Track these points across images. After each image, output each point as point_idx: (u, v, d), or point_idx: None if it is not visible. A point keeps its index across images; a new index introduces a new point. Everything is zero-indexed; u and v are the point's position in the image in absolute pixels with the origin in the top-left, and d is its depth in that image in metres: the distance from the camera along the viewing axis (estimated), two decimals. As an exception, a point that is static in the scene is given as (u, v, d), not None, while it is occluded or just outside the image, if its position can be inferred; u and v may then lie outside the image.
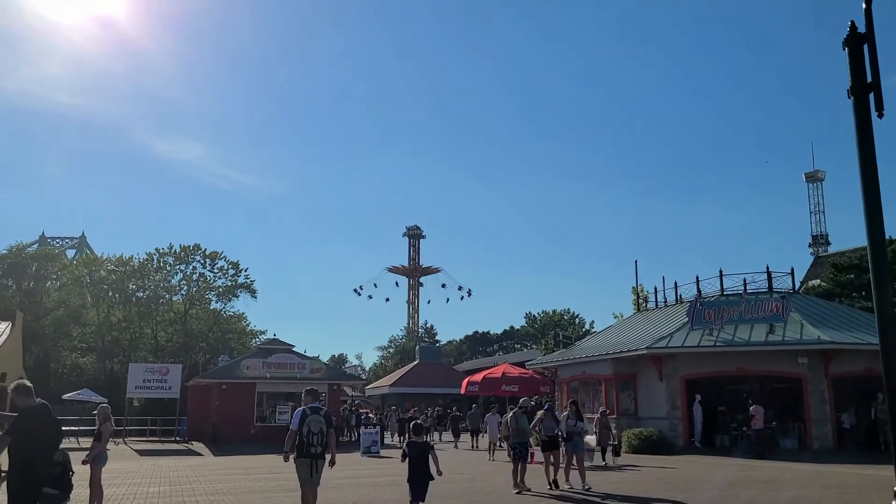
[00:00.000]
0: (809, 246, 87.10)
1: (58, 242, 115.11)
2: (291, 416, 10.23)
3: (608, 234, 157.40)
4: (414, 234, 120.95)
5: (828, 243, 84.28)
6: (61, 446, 7.52)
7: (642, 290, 43.08)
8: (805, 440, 24.14)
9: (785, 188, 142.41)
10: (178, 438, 36.94)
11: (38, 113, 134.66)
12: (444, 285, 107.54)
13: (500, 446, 23.56)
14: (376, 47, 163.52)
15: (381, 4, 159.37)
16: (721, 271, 28.88)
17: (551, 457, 14.96)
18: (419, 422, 11.72)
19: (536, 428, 15.25)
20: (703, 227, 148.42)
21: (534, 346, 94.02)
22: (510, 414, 15.10)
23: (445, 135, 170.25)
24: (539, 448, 15.76)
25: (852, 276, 37.90)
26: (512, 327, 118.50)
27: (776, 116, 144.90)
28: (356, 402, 63.63)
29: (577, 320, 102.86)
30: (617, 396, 27.60)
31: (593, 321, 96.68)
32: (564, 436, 15.13)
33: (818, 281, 40.98)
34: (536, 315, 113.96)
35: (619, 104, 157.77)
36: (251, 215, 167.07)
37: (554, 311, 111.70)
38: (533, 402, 20.60)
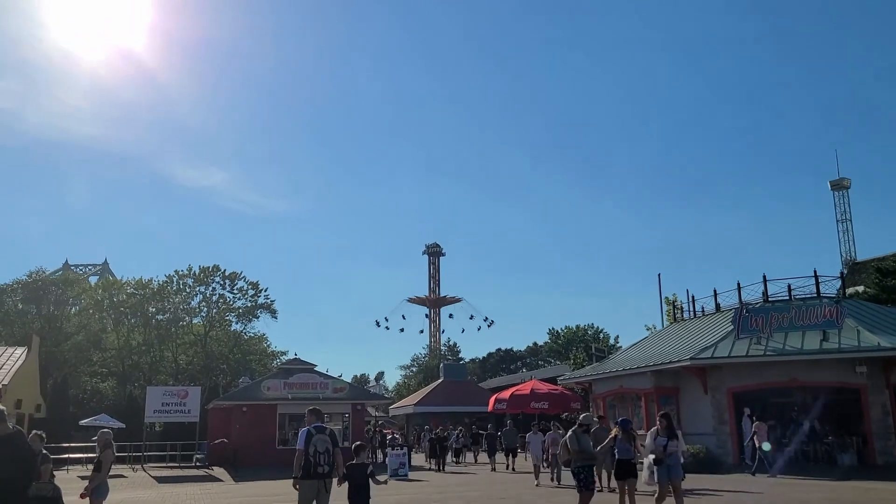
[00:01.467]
0: (844, 266, 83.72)
1: (81, 270, 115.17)
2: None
3: (630, 248, 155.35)
4: (434, 252, 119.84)
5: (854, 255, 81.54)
6: (53, 479, 6.31)
7: (676, 300, 41.51)
8: (868, 456, 22.39)
9: (809, 197, 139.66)
10: (198, 464, 35.73)
11: (62, 144, 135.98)
12: (472, 317, 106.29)
13: (545, 468, 21.81)
14: (396, 68, 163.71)
15: (400, 25, 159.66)
16: (765, 276, 27.39)
17: (626, 486, 12.82)
18: (360, 443, 10.99)
19: (605, 449, 13.04)
20: (726, 238, 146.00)
21: (558, 363, 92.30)
22: (570, 433, 12.73)
23: (465, 152, 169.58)
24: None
25: (899, 280, 36.21)
26: (535, 344, 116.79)
27: (799, 124, 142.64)
28: (379, 422, 62.22)
29: (601, 335, 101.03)
30: (658, 411, 25.95)
31: (618, 336, 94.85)
32: (654, 460, 12.10)
33: (861, 287, 39.13)
34: (560, 331, 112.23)
35: (640, 118, 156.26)
36: (273, 238, 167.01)
37: (578, 327, 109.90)
38: (596, 418, 18.43)
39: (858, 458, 22.99)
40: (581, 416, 13.47)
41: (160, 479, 28.67)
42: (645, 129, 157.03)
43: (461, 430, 35.71)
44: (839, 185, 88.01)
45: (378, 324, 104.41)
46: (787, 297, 27.47)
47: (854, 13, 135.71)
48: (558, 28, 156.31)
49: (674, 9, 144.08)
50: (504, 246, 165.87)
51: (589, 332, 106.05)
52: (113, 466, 10.89)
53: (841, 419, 24.19)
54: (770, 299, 26.89)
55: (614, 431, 13.13)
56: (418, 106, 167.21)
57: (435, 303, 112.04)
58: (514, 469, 27.41)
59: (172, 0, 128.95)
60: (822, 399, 24.91)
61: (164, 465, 36.80)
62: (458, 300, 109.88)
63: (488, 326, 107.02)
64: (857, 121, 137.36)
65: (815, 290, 26.72)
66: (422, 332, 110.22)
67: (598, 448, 13.31)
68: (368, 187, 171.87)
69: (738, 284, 28.22)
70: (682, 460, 12.37)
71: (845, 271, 54.24)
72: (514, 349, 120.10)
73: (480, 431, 35.14)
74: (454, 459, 33.47)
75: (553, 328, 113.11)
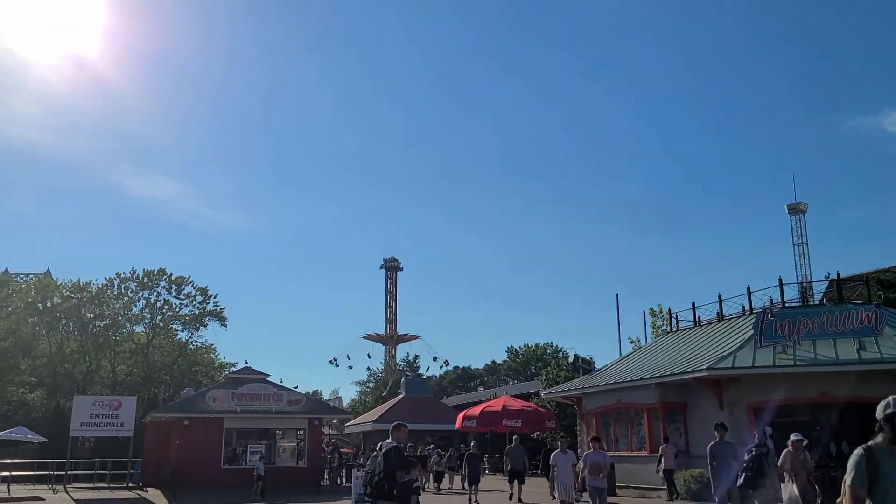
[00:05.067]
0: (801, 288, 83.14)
1: (21, 278, 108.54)
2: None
3: (586, 271, 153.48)
4: (391, 267, 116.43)
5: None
6: None
7: (661, 311, 38.84)
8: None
9: (764, 221, 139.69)
10: (130, 484, 31.38)
11: (8, 150, 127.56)
12: (434, 359, 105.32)
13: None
14: (354, 83, 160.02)
15: (361, 43, 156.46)
16: (780, 279, 24.59)
17: None
18: (410, 458, 9.38)
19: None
20: (683, 262, 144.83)
21: (515, 381, 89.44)
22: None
23: (423, 172, 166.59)
24: None
25: (903, 293, 34.07)
26: (494, 362, 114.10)
27: (756, 148, 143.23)
28: (332, 440, 58.11)
29: (560, 353, 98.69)
30: (664, 429, 22.90)
31: (577, 354, 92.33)
32: None
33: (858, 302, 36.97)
34: (518, 349, 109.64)
35: (596, 142, 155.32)
36: (224, 253, 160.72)
37: (537, 345, 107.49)
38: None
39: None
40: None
41: (81, 503, 24.47)
42: (603, 154, 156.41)
43: (438, 449, 31.24)
44: (796, 210, 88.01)
45: (334, 362, 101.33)
46: (800, 304, 24.89)
47: (802, 32, 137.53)
48: (516, 55, 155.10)
49: (618, 36, 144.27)
50: (460, 264, 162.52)
51: (548, 351, 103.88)
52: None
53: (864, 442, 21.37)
54: (787, 304, 24.11)
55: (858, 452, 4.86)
56: (375, 125, 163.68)
57: (391, 340, 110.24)
58: (520, 500, 21.66)
59: (128, 7, 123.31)
60: (846, 418, 22.19)
61: (91, 485, 32.31)
62: (415, 337, 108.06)
63: (445, 365, 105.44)
64: (814, 146, 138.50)
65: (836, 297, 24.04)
66: (381, 364, 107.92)
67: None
68: (323, 203, 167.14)
69: (748, 289, 25.46)
70: None
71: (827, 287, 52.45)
72: (472, 367, 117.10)
73: (455, 450, 30.93)
74: (435, 485, 28.69)
75: (511, 346, 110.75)
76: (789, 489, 12.91)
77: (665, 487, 21.48)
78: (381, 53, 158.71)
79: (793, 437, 13.42)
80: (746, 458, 12.88)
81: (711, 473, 13.19)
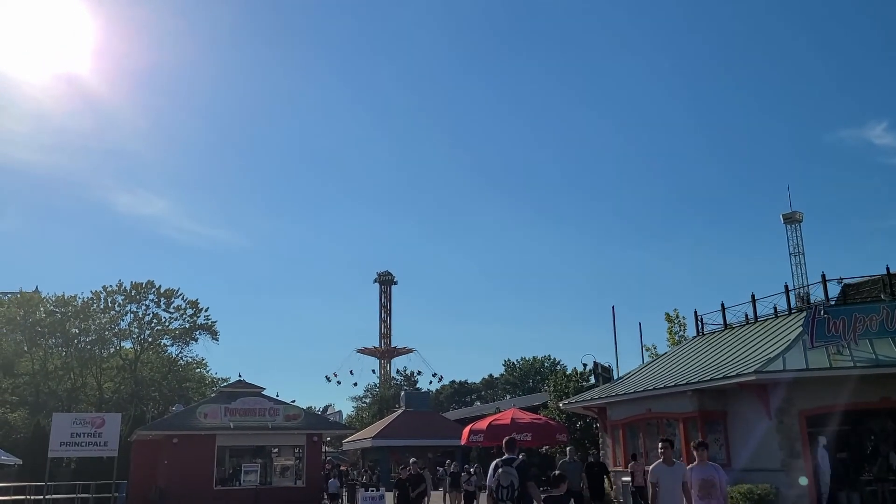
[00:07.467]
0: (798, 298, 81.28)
1: (8, 297, 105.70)
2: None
3: (581, 284, 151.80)
4: (385, 280, 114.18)
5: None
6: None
7: (677, 316, 36.89)
8: None
9: (759, 232, 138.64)
10: (114, 508, 29.09)
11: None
12: (419, 372, 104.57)
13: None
14: (345, 100, 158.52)
15: (346, 60, 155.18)
16: (823, 275, 22.63)
17: None
18: (559, 472, 8.53)
19: None
20: (676, 274, 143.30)
21: (512, 395, 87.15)
22: None
23: (416, 187, 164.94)
24: None
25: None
26: (491, 376, 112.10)
27: (750, 157, 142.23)
28: (328, 458, 55.72)
29: (558, 366, 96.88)
30: (702, 439, 20.74)
31: (575, 367, 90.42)
32: None
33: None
34: (516, 362, 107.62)
35: (588, 158, 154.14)
36: (217, 269, 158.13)
37: (534, 358, 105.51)
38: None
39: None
40: None
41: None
42: (596, 169, 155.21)
43: (468, 466, 28.17)
44: (792, 219, 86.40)
45: (328, 379, 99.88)
46: (843, 302, 22.92)
47: (805, 49, 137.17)
48: (502, 72, 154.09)
49: (608, 51, 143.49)
50: (454, 278, 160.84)
51: (546, 364, 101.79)
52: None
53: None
54: (831, 301, 22.11)
55: None
56: (367, 141, 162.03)
57: (385, 354, 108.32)
58: None
59: (118, 25, 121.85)
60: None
61: (72, 510, 29.96)
62: (410, 350, 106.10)
63: (440, 379, 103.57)
64: (808, 155, 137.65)
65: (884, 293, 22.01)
66: (378, 378, 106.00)
67: None
68: (316, 218, 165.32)
69: (786, 287, 23.48)
70: None
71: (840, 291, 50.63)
72: (469, 381, 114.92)
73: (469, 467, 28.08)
74: None
75: (508, 360, 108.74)
76: None
77: None
78: (374, 71, 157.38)
79: None
80: None
81: None
